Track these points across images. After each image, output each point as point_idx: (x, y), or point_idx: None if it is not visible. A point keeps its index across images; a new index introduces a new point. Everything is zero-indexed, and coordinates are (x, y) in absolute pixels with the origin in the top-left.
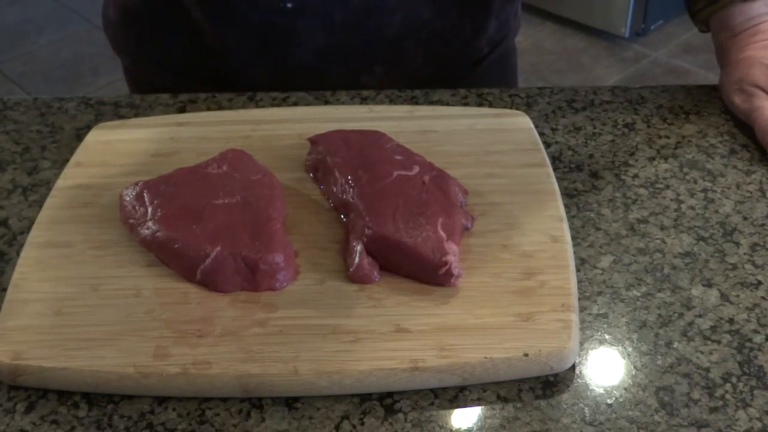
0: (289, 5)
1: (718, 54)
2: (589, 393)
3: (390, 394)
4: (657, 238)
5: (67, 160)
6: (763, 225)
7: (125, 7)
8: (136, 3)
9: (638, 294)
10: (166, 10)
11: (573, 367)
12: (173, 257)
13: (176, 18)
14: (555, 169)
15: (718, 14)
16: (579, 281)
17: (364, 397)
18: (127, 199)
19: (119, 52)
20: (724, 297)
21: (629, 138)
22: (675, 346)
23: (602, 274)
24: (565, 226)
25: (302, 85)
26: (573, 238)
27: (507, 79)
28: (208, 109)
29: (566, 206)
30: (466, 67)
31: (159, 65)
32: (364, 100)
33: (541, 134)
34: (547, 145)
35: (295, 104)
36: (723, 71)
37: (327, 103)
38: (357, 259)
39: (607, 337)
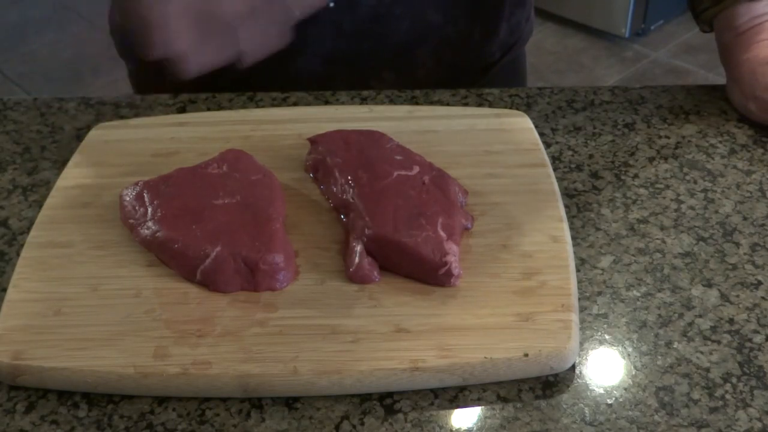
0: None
1: (722, 54)
2: (589, 393)
3: (390, 394)
4: (657, 238)
5: (67, 160)
6: (763, 225)
7: None
8: None
9: (638, 294)
10: None
11: (573, 367)
12: (173, 257)
13: None
14: (555, 169)
15: (723, 14)
16: (579, 281)
17: (364, 397)
18: (127, 199)
19: (124, 56)
20: (724, 297)
21: (629, 138)
22: (675, 346)
23: (602, 274)
24: (565, 226)
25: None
26: (573, 238)
27: (516, 85)
28: (208, 109)
29: (566, 206)
30: (477, 73)
31: (163, 70)
32: (364, 100)
33: (541, 134)
34: (547, 145)
35: (295, 104)
36: (728, 73)
37: (327, 103)
38: (357, 259)
39: (607, 337)
